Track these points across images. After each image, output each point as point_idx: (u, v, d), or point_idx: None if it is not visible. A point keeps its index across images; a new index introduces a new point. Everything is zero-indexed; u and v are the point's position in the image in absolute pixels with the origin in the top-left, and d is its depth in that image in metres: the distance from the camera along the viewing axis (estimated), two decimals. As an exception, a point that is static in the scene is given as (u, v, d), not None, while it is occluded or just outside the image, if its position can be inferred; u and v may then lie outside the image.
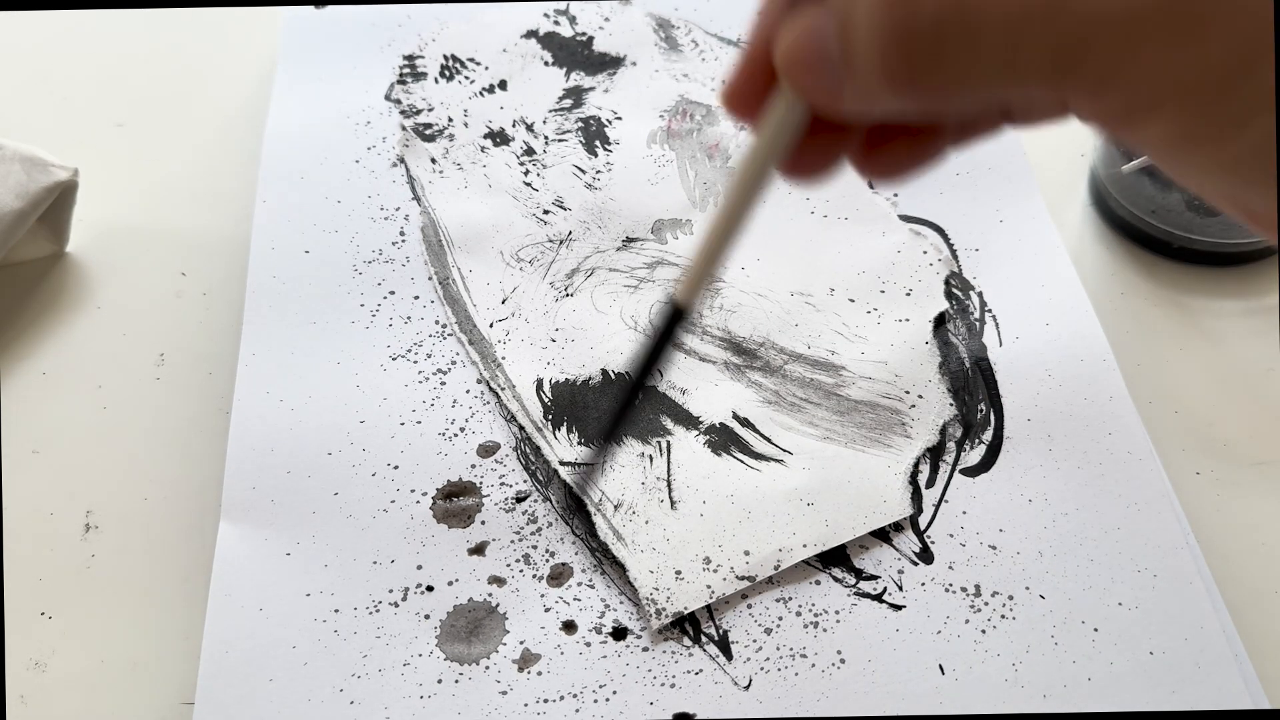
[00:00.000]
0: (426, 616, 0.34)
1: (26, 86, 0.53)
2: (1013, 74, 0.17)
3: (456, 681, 0.33)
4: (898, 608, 0.35)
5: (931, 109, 0.21)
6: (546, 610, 0.35)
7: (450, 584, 0.35)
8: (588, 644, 0.34)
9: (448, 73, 0.51)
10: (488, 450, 0.38)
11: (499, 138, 0.49)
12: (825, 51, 0.20)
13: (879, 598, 0.35)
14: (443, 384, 0.40)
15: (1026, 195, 0.46)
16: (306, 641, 0.34)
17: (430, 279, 0.43)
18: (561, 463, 0.38)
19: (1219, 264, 0.45)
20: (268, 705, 0.32)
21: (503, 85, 0.51)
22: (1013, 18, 0.17)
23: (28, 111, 0.52)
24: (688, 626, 0.34)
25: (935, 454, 0.38)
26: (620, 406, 0.28)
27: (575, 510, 0.37)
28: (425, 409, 0.39)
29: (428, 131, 0.49)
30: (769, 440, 0.38)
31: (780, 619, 0.34)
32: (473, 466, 0.38)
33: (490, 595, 0.35)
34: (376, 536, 0.36)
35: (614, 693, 0.33)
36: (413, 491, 0.37)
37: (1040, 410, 0.39)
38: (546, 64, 0.52)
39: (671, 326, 0.25)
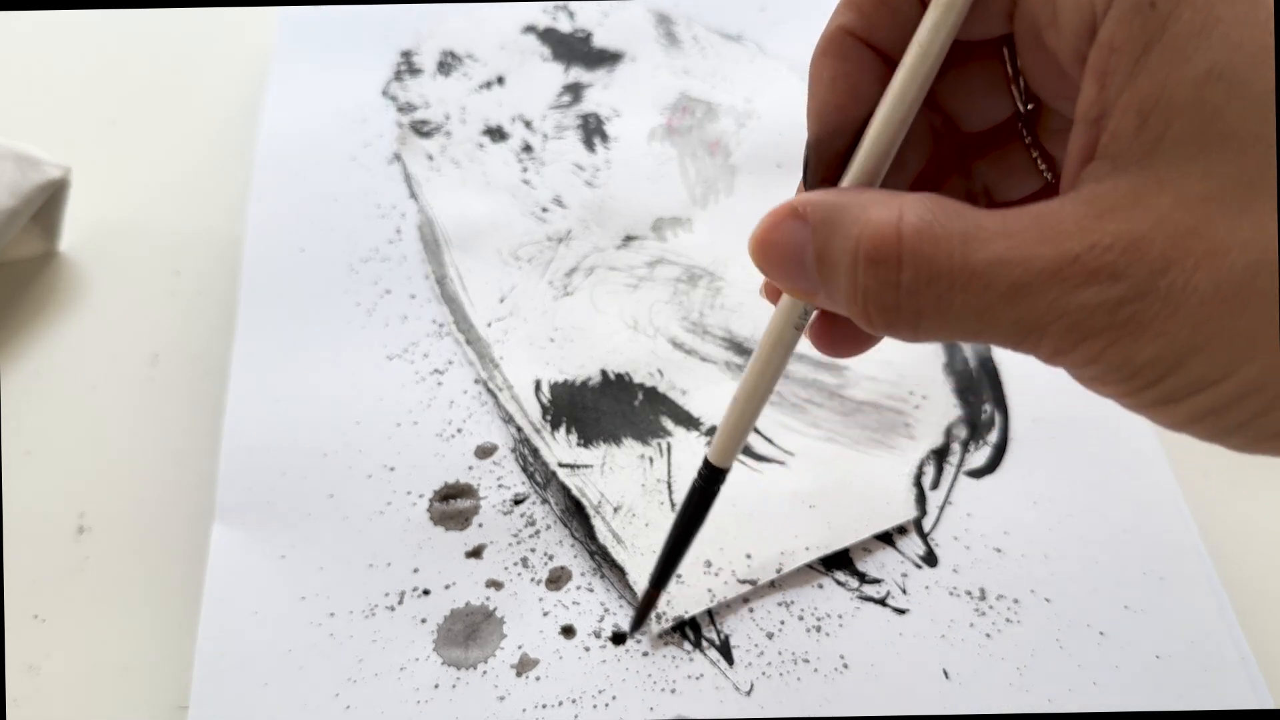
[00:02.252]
0: (423, 620, 0.34)
1: (19, 84, 0.52)
2: (980, 337, 0.20)
3: (454, 686, 0.32)
4: (901, 611, 0.34)
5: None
6: (545, 614, 0.34)
7: (447, 587, 0.35)
8: (587, 649, 0.33)
9: (445, 68, 0.51)
10: (485, 451, 0.38)
11: (497, 134, 0.48)
12: (802, 263, 0.21)
13: (882, 601, 0.34)
14: (440, 384, 0.40)
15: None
16: (302, 646, 0.33)
17: (427, 277, 0.43)
18: (560, 464, 0.37)
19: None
20: (263, 710, 0.32)
21: (500, 81, 0.50)
22: (980, 297, 0.19)
23: (20, 109, 0.51)
24: (688, 631, 0.34)
25: (940, 455, 0.38)
26: (663, 564, 0.31)
27: (574, 513, 0.36)
28: (422, 409, 0.39)
29: (425, 128, 0.48)
30: (771, 441, 0.38)
31: (782, 623, 0.34)
32: (470, 468, 0.37)
33: (488, 599, 0.34)
34: (372, 539, 0.35)
35: (613, 698, 0.32)
36: (409, 493, 0.37)
37: (1046, 411, 0.39)
38: (545, 60, 0.51)
39: (710, 490, 0.28)
